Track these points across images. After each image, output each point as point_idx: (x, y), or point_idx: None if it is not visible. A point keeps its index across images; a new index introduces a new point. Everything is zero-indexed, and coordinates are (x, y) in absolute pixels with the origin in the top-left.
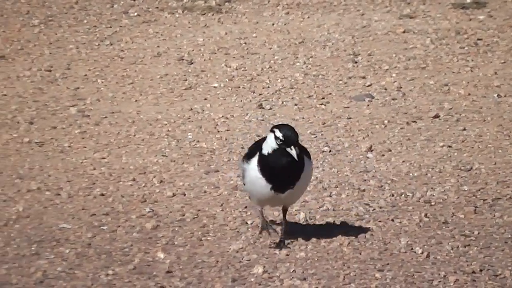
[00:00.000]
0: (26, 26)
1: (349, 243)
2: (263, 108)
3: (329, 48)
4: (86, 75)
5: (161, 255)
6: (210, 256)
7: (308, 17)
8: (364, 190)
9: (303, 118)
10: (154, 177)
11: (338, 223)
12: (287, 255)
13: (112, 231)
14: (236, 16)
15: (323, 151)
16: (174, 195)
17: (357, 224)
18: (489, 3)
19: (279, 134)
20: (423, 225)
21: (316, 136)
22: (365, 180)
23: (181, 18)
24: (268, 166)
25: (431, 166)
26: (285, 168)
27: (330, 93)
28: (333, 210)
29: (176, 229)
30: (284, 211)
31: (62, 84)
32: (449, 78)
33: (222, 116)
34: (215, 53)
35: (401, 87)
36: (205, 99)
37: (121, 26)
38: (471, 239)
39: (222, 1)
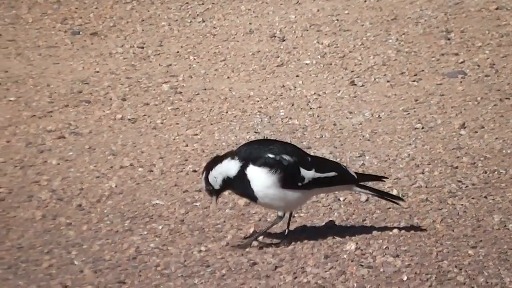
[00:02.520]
0: (118, 3)
1: (442, 220)
2: (355, 85)
3: (421, 25)
4: (178, 52)
5: None
6: (302, 232)
7: None
8: (457, 167)
9: (395, 95)
10: None
11: (431, 200)
12: (380, 232)
13: (205, 207)
14: None
15: (416, 128)
16: None
17: (450, 201)
18: None
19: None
20: None
21: (408, 113)
22: (458, 157)
23: None
24: None
25: None
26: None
27: (423, 70)
28: (426, 187)
29: None
30: (277, 215)
31: (155, 61)
32: None
33: (314, 93)
34: (307, 30)
35: (494, 64)
36: (297, 76)
37: (213, 3)
38: None
39: None
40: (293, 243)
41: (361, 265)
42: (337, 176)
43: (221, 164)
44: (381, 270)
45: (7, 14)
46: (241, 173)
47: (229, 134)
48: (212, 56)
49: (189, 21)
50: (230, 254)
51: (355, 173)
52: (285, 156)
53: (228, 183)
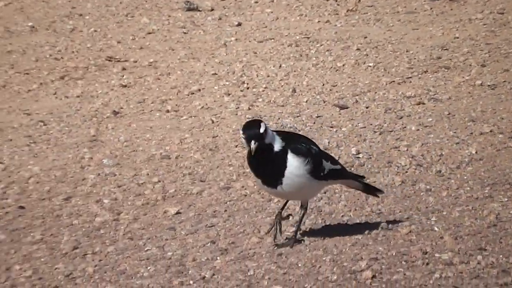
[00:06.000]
0: None
1: None
2: None
3: None
4: None
5: None
6: None
7: None
8: None
9: None
10: None
11: None
12: None
13: None
14: None
15: None
16: None
17: None
18: None
19: (241, 132)
20: None
21: None
22: None
23: None
24: (249, 162)
25: None
26: (258, 164)
27: None
28: None
29: None
30: (301, 206)
31: None
32: None
33: None
34: None
35: None
36: None
37: None
38: None
39: None
40: None
41: None
42: (342, 170)
43: (273, 133)
44: None
45: None
46: (280, 155)
47: None
48: None
49: None
50: None
51: None
52: (313, 146)
53: (269, 152)
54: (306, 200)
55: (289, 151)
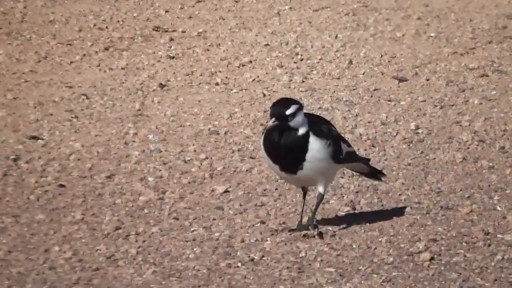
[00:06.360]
0: None
1: None
2: None
3: None
4: None
5: None
6: None
7: None
8: None
9: None
10: None
11: None
12: None
13: None
14: None
15: None
16: None
17: None
18: None
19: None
20: None
21: None
22: None
23: None
24: (267, 145)
25: None
26: (277, 147)
27: None
28: None
29: None
30: (318, 194)
31: None
32: None
33: None
34: None
35: None
36: None
37: None
38: None
39: None
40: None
41: None
42: (354, 152)
43: (304, 118)
44: None
45: None
46: (303, 139)
47: None
48: None
49: None
50: None
51: None
52: (332, 128)
53: (291, 136)
54: (324, 187)
55: (310, 133)
